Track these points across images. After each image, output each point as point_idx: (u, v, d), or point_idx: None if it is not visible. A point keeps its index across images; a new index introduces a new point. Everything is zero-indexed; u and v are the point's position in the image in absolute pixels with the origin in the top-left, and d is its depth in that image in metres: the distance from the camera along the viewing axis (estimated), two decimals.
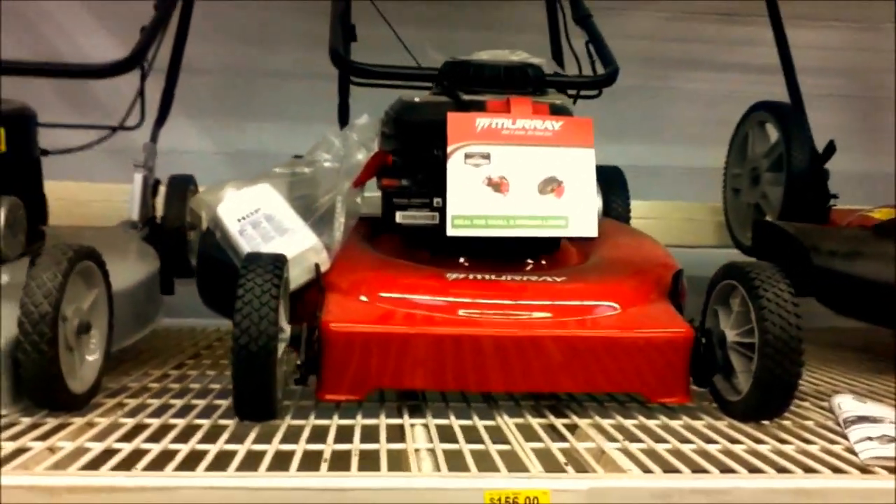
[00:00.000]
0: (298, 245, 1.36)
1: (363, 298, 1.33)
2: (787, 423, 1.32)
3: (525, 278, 1.40)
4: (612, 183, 2.04)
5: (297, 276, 1.34)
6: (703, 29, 2.91)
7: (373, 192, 1.63)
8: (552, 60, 1.63)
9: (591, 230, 1.39)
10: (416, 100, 1.51)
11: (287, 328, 1.23)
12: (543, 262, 1.53)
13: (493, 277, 1.38)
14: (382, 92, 1.71)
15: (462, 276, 1.37)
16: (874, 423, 1.25)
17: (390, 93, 1.68)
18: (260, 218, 1.42)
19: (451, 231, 1.36)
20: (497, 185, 1.37)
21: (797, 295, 1.82)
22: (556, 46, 2.17)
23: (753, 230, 2.01)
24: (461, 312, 1.31)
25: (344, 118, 2.01)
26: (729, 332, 1.33)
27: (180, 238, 1.82)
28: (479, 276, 1.37)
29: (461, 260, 1.49)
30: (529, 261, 1.52)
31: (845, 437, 1.24)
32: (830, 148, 2.07)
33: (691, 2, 2.88)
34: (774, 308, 1.23)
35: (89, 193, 2.19)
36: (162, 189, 1.95)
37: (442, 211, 1.40)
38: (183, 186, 1.91)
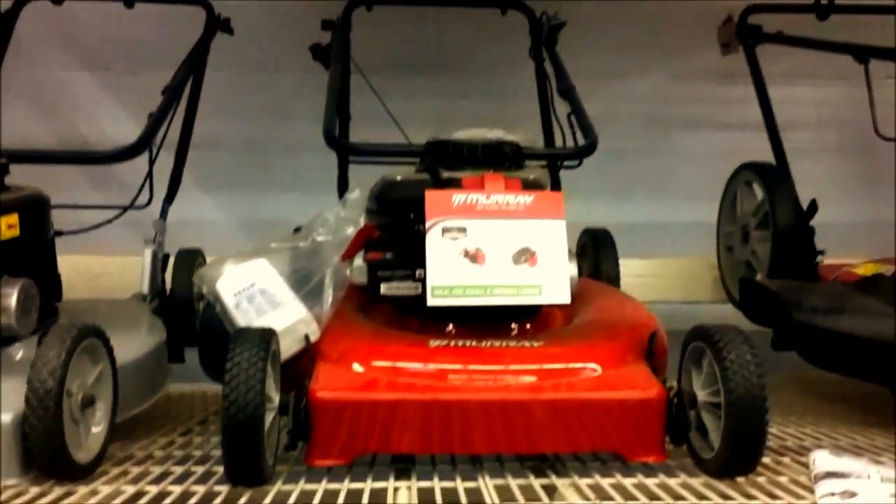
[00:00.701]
0: (289, 317, 1.45)
1: (352, 366, 1.40)
2: (761, 479, 1.36)
3: (507, 343, 1.47)
4: (601, 244, 2.12)
5: (288, 347, 1.43)
6: (701, 90, 3.01)
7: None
8: (528, 133, 1.71)
9: (564, 297, 1.47)
10: (398, 178, 1.61)
11: (276, 397, 1.31)
12: (528, 325, 1.60)
13: (476, 344, 1.45)
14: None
15: (444, 343, 1.45)
16: (841, 478, 1.29)
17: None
18: (255, 292, 1.51)
19: (431, 301, 1.44)
20: (474, 257, 1.45)
21: (783, 349, 1.88)
22: (546, 116, 2.27)
23: (739, 288, 2.07)
24: (448, 379, 1.38)
25: (343, 190, 2.12)
26: (700, 392, 1.38)
27: (188, 309, 1.92)
28: (461, 343, 1.44)
29: (449, 327, 1.56)
30: (514, 325, 1.59)
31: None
32: (813, 207, 2.13)
33: (689, 65, 2.99)
34: (738, 369, 1.28)
35: (106, 266, 2.32)
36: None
37: (424, 282, 1.48)
38: (190, 260, 2.02)
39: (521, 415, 1.35)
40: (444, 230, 1.46)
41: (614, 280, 2.06)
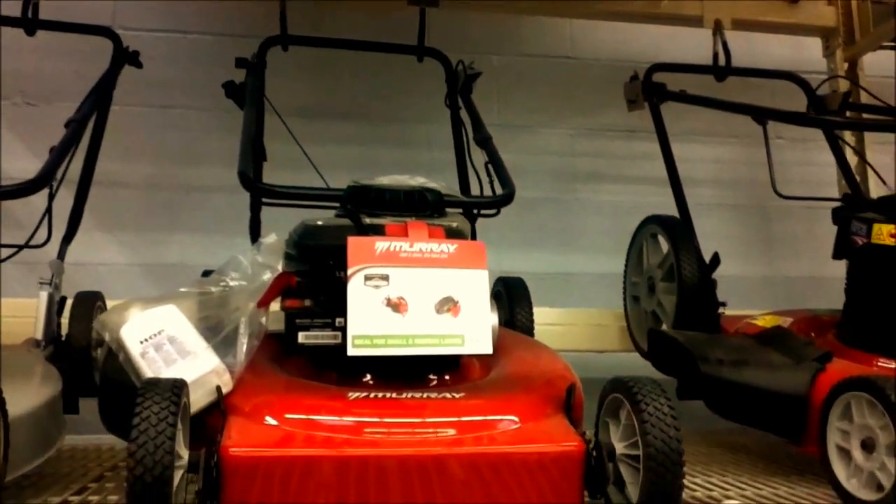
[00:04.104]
0: (200, 368, 1.38)
1: (265, 421, 1.34)
2: None
3: (428, 395, 1.44)
4: (516, 293, 2.13)
5: (198, 399, 1.36)
6: (607, 145, 3.12)
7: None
8: (448, 184, 1.71)
9: (486, 348, 1.46)
10: (319, 223, 1.57)
11: (185, 454, 1.24)
12: (447, 377, 1.57)
13: (395, 396, 1.42)
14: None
15: (364, 394, 1.41)
16: None
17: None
18: (163, 340, 1.43)
19: (351, 351, 1.40)
20: (396, 306, 1.42)
21: (688, 398, 1.93)
22: (462, 164, 2.28)
23: (648, 339, 2.11)
24: (365, 432, 1.34)
25: (255, 234, 2.06)
26: (618, 445, 1.39)
27: (85, 356, 1.81)
28: (381, 395, 1.40)
29: (367, 378, 1.52)
30: (434, 376, 1.56)
31: None
32: (715, 260, 2.21)
33: (595, 120, 3.09)
34: (656, 422, 1.30)
35: None
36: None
37: (344, 331, 1.45)
38: (90, 304, 1.91)
39: (441, 470, 1.32)
40: (367, 278, 1.43)
41: (528, 329, 2.07)
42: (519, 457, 1.35)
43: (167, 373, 1.37)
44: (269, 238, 1.64)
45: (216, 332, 1.47)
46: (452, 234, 1.53)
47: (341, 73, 2.84)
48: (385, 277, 1.43)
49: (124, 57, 2.20)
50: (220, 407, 1.36)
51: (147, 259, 2.69)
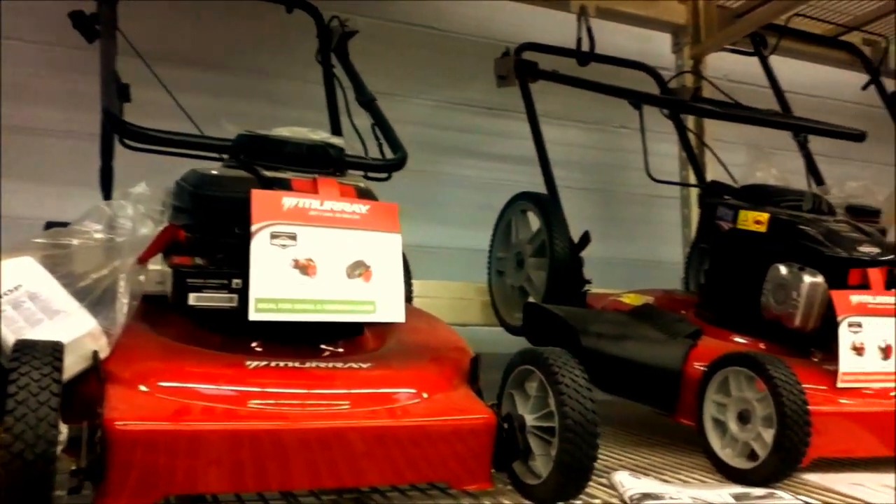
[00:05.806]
0: (74, 330, 1.20)
1: (152, 390, 1.19)
2: (577, 503, 1.37)
3: (334, 365, 1.35)
4: None
5: (72, 365, 1.17)
6: (468, 119, 3.11)
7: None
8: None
9: (398, 316, 1.38)
10: (214, 173, 1.41)
11: (64, 429, 1.06)
12: (341, 348, 1.47)
13: (298, 365, 1.31)
14: (144, 157, 1.57)
15: (264, 363, 1.29)
16: (657, 499, 1.35)
17: (157, 159, 1.54)
18: (22, 297, 1.23)
19: (253, 315, 1.27)
20: (304, 268, 1.31)
21: None
22: (336, 126, 2.16)
23: (524, 312, 2.12)
24: (253, 404, 1.22)
25: (107, 184, 1.83)
26: (527, 417, 1.36)
27: None
28: (283, 364, 1.29)
29: (256, 345, 1.39)
30: (329, 346, 1.45)
31: None
32: (585, 238, 2.25)
33: (459, 93, 3.06)
34: (573, 394, 1.29)
35: None
36: None
37: (242, 293, 1.31)
38: None
39: (349, 443, 1.23)
40: (272, 236, 1.30)
41: (409, 299, 2.00)
42: (426, 429, 1.29)
43: (32, 335, 1.18)
44: (139, 188, 1.44)
45: (87, 290, 1.28)
46: (363, 194, 1.43)
47: (198, 16, 2.60)
48: (293, 236, 1.31)
49: None
50: (97, 374, 1.19)
51: None
